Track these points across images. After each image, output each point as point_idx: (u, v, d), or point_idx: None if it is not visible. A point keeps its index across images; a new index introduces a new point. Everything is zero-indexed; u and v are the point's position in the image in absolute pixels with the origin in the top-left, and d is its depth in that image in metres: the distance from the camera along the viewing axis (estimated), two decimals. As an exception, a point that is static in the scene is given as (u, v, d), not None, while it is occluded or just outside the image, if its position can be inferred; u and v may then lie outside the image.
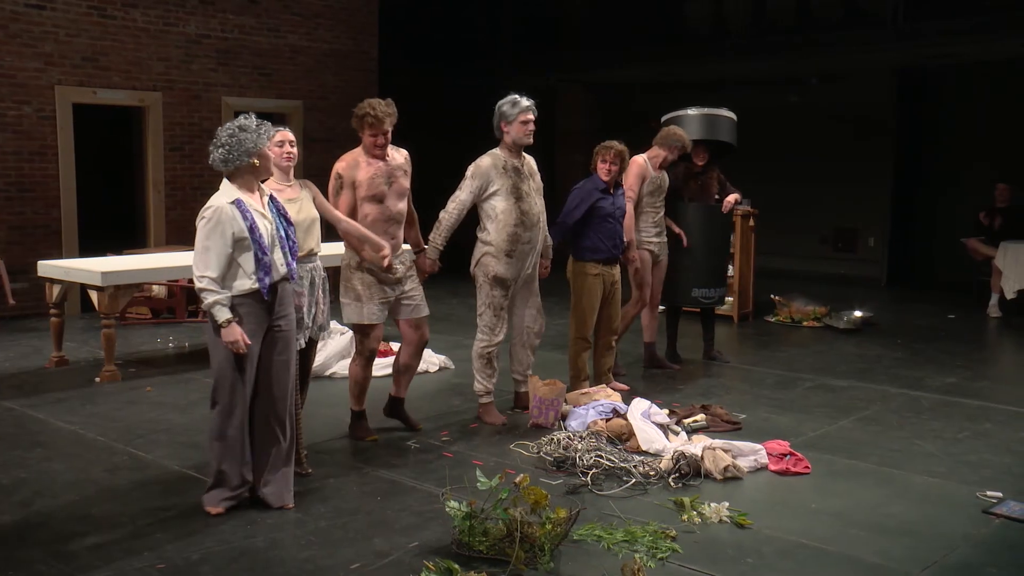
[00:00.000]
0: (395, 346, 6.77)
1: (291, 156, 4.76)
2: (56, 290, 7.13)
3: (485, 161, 5.66)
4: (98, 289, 6.71)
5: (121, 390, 6.60)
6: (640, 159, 6.77)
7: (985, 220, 10.45)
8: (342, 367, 6.97)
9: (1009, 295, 9.74)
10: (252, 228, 4.12)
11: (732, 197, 7.38)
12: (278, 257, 4.24)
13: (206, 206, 4.16)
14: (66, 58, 9.60)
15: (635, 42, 12.67)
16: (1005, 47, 10.39)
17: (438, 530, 4.07)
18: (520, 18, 14.07)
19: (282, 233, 4.28)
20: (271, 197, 4.33)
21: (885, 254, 12.62)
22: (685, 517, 4.23)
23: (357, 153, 5.23)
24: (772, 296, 9.81)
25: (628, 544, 3.91)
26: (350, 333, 7.23)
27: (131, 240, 10.28)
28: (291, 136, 4.78)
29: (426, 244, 5.58)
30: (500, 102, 5.70)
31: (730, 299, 9.38)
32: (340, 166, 5.20)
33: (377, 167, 5.19)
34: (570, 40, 13.60)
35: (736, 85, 13.20)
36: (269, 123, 4.29)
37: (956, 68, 11.97)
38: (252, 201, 4.21)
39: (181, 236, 10.37)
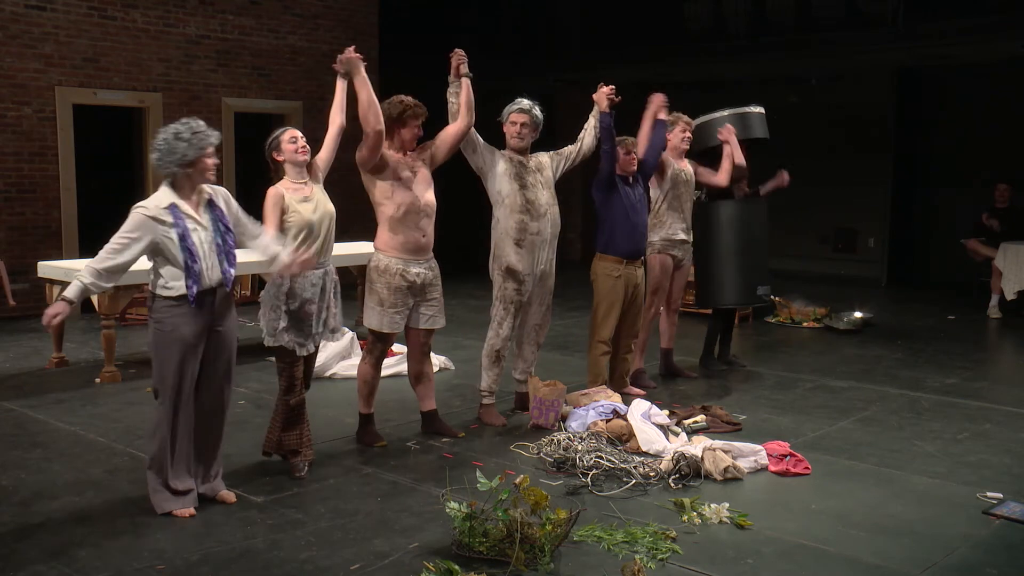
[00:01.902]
0: (395, 347, 6.78)
1: (305, 150, 4.78)
2: (56, 291, 7.13)
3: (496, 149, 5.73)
4: (98, 290, 6.71)
5: (121, 391, 6.60)
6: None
7: (988, 223, 10.45)
8: (343, 368, 6.98)
9: (1009, 296, 9.75)
10: (183, 236, 4.10)
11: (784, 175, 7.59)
12: (212, 263, 4.19)
13: (141, 204, 4.15)
14: (66, 59, 9.60)
15: (635, 42, 12.67)
16: (1005, 48, 10.40)
17: (438, 531, 4.07)
18: (519, 19, 14.08)
19: (219, 240, 4.23)
20: (209, 202, 4.27)
21: (885, 254, 12.62)
22: (685, 518, 4.24)
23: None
24: (772, 297, 9.80)
25: (628, 545, 3.91)
26: (351, 334, 7.25)
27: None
28: (299, 132, 4.81)
29: None
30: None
31: None
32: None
33: (399, 156, 5.20)
34: (569, 41, 13.60)
35: (736, 85, 13.20)
36: (210, 133, 4.18)
37: (956, 68, 11.98)
38: (187, 207, 4.18)
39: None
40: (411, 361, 5.53)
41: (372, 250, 5.31)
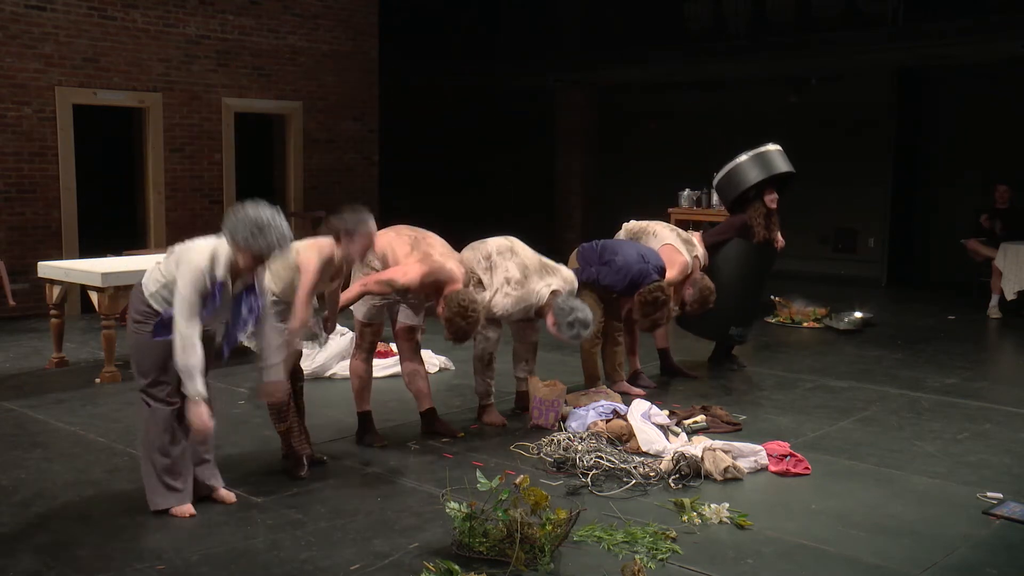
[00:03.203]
0: (394, 346, 6.77)
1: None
2: (56, 291, 7.13)
3: (530, 300, 5.53)
4: (98, 290, 6.72)
5: (121, 391, 6.60)
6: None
7: (987, 223, 10.45)
8: (342, 368, 6.97)
9: (1009, 296, 9.75)
10: (211, 295, 4.06)
11: (781, 241, 7.31)
12: (220, 328, 4.18)
13: (201, 248, 4.05)
14: (66, 59, 9.60)
15: (635, 42, 12.68)
16: (1005, 48, 10.40)
17: (438, 531, 4.07)
18: (519, 18, 14.09)
19: (239, 312, 4.16)
20: (251, 285, 4.19)
21: (885, 254, 12.63)
22: (685, 518, 4.24)
23: (416, 278, 5.09)
24: (772, 297, 9.80)
25: (628, 545, 3.91)
26: (350, 334, 7.25)
27: (131, 241, 10.29)
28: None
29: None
30: (573, 315, 5.37)
31: None
32: (404, 279, 5.07)
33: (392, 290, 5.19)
34: (570, 40, 13.61)
35: (736, 85, 13.22)
36: (272, 243, 4.02)
37: (956, 68, 11.98)
38: (227, 274, 4.12)
39: (181, 237, 10.31)
40: (403, 361, 5.54)
41: None
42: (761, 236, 7.16)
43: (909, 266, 12.66)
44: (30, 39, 9.36)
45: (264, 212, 4.06)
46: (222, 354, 4.31)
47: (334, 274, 4.74)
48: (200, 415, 4.03)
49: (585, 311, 5.41)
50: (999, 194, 10.50)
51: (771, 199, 7.18)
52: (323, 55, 11.58)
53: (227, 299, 4.15)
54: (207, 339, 4.20)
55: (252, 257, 4.07)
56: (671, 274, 6.37)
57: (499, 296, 5.48)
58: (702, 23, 12.47)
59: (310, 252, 4.57)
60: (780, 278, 11.47)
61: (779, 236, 7.33)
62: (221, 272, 4.07)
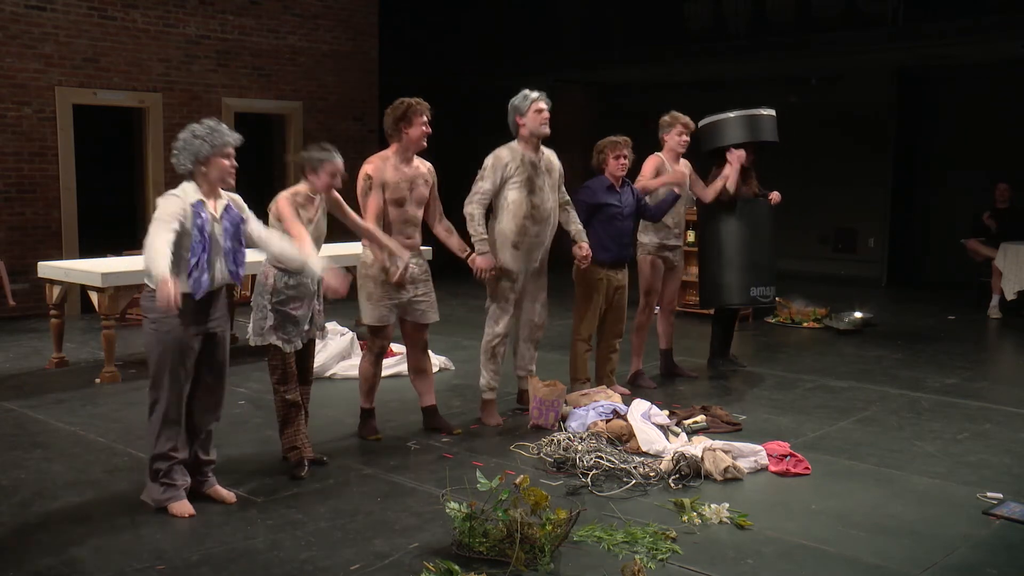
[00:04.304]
0: (395, 347, 6.78)
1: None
2: (56, 291, 7.13)
3: (503, 152, 5.66)
4: (98, 290, 6.72)
5: (121, 391, 6.60)
6: (656, 156, 6.73)
7: (989, 222, 10.44)
8: (342, 368, 6.98)
9: (1009, 296, 9.75)
10: (202, 228, 4.10)
11: (776, 195, 7.24)
12: (219, 265, 4.20)
13: (172, 192, 4.15)
14: (66, 59, 9.61)
15: (635, 42, 12.68)
16: (1005, 48, 10.40)
17: (438, 531, 4.07)
18: (520, 18, 14.09)
19: (228, 244, 4.21)
20: (227, 207, 4.26)
21: (885, 254, 12.63)
22: (685, 518, 4.24)
23: (386, 155, 5.29)
24: (778, 299, 9.79)
25: (628, 545, 3.91)
26: (350, 334, 7.26)
27: (131, 241, 10.27)
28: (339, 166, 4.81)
29: (469, 244, 5.57)
30: (512, 99, 5.70)
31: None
32: (369, 168, 5.22)
33: (402, 173, 5.24)
34: (570, 40, 13.61)
35: (736, 85, 13.21)
36: (228, 133, 4.19)
37: (956, 68, 11.99)
38: (209, 205, 4.17)
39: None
40: (409, 357, 5.60)
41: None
42: (737, 191, 7.09)
43: (909, 266, 12.66)
44: (30, 39, 9.37)
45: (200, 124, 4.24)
46: (237, 278, 4.33)
47: (312, 214, 4.81)
48: (167, 290, 3.76)
49: None
50: (999, 193, 10.50)
51: (746, 158, 7.13)
52: (323, 55, 11.59)
53: (216, 236, 4.18)
54: (215, 293, 4.26)
55: (216, 162, 4.16)
56: (648, 166, 6.70)
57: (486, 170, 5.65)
58: (702, 23, 12.47)
59: (280, 201, 4.71)
60: (780, 278, 11.43)
61: (775, 194, 7.24)
62: (197, 197, 4.14)
